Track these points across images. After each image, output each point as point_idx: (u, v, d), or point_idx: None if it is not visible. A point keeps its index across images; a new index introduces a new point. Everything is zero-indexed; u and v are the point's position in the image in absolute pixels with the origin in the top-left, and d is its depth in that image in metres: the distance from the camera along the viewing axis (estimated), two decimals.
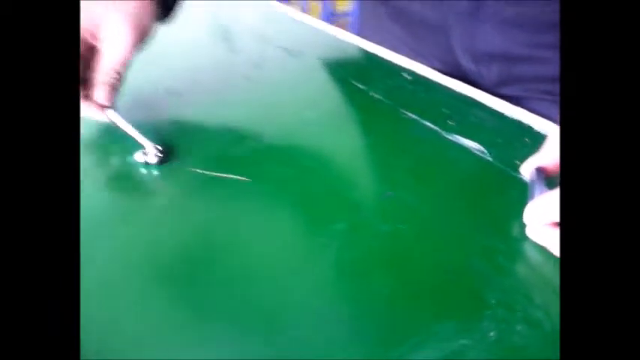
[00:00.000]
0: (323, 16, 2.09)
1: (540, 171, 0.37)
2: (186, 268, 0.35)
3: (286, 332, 0.30)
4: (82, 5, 0.44)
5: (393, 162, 0.44)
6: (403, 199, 0.40)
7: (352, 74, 0.54)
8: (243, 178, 0.41)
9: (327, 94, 0.53)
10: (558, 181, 0.36)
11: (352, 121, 0.50)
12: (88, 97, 0.45)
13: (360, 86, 0.52)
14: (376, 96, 0.51)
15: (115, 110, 0.47)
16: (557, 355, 0.30)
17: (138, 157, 0.47)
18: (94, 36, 0.45)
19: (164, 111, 0.51)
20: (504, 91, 0.55)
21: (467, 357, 0.29)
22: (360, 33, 0.65)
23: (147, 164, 0.47)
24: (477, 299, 0.32)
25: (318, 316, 0.31)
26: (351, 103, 0.51)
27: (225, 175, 0.42)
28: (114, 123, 0.48)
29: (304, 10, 2.12)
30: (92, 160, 0.47)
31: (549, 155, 0.38)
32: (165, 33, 0.56)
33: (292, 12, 0.69)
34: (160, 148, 0.47)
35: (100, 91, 0.45)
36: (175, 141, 0.47)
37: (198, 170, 0.43)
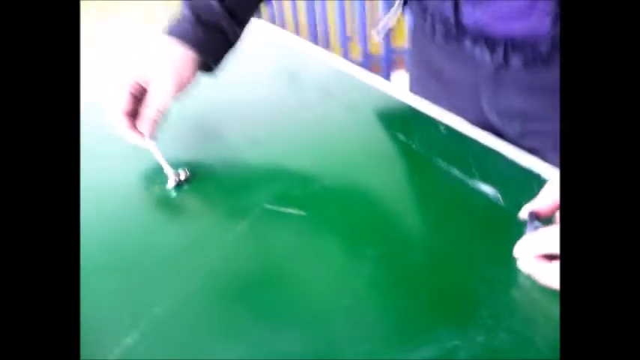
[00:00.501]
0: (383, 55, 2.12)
1: (534, 213, 0.44)
2: (257, 287, 0.45)
3: (327, 331, 0.41)
4: (140, 56, 0.56)
5: (423, 203, 0.54)
6: (424, 233, 0.49)
7: (396, 126, 0.64)
8: (301, 212, 0.51)
9: (375, 144, 0.62)
10: (548, 222, 0.43)
11: (393, 167, 0.58)
12: (134, 127, 0.56)
13: (402, 137, 0.61)
14: (414, 146, 0.59)
15: (153, 140, 0.58)
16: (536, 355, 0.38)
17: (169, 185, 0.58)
18: (145, 82, 0.56)
19: (241, 154, 0.62)
20: (524, 142, 0.61)
21: (458, 356, 0.38)
22: (411, 89, 0.76)
23: (167, 188, 0.57)
24: (472, 312, 0.41)
25: (353, 320, 0.41)
26: (393, 152, 0.60)
27: (288, 210, 0.52)
28: (149, 149, 0.58)
29: (345, 54, 2.15)
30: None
31: (543, 201, 0.44)
32: (242, 81, 0.74)
33: (350, 66, 0.79)
34: (180, 174, 0.58)
35: (144, 124, 0.56)
36: (249, 181, 0.57)
37: (268, 206, 0.52)
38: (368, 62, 2.08)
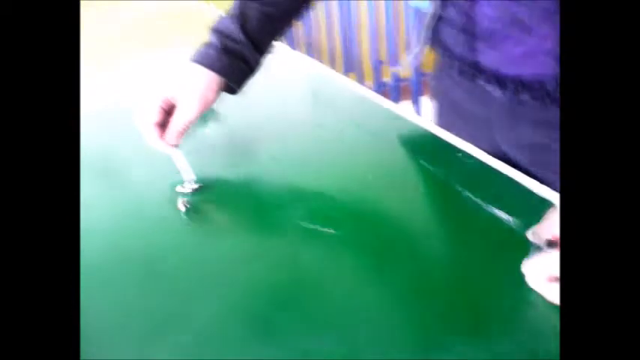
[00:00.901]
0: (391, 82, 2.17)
1: (539, 234, 0.49)
2: (291, 298, 0.49)
3: (352, 338, 0.45)
4: (169, 75, 0.64)
5: (442, 225, 0.58)
6: (443, 252, 0.53)
7: (418, 152, 0.69)
8: (330, 230, 0.55)
9: (398, 168, 0.67)
10: (553, 243, 0.48)
11: (415, 191, 0.63)
12: (162, 137, 0.63)
13: (424, 163, 0.65)
14: (435, 171, 0.64)
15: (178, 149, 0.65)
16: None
17: (179, 188, 0.64)
18: (174, 98, 0.63)
19: (270, 173, 0.67)
20: (535, 171, 0.65)
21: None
22: (433, 118, 0.83)
23: (184, 194, 0.64)
24: (484, 325, 0.44)
25: (375, 329, 0.45)
26: (415, 176, 0.65)
27: (320, 228, 0.56)
28: (172, 158, 0.65)
29: (376, 77, 2.21)
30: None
31: (546, 223, 0.49)
32: (270, 103, 0.82)
33: (373, 95, 0.84)
34: (196, 184, 0.64)
35: (171, 135, 0.63)
36: (282, 199, 0.62)
37: (302, 223, 0.56)
38: (398, 85, 2.12)
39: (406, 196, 0.61)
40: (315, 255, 0.53)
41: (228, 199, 0.63)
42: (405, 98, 2.11)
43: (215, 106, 0.65)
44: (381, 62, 2.17)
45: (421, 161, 0.66)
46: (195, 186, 0.64)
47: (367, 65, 2.22)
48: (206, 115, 0.65)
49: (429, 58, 0.77)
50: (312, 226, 0.56)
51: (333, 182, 0.64)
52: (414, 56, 0.75)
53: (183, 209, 0.61)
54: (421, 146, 0.70)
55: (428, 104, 1.85)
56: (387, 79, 2.19)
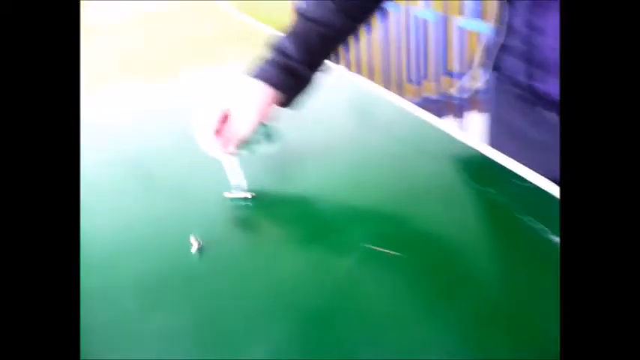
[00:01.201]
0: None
1: None
2: (359, 318, 0.49)
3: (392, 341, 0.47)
4: (226, 86, 0.68)
5: (498, 248, 0.59)
6: (499, 275, 0.54)
7: (471, 173, 0.70)
8: (396, 253, 0.55)
9: (452, 189, 0.68)
10: None
11: (470, 213, 0.63)
12: (217, 144, 0.67)
13: (477, 185, 0.67)
14: (491, 194, 0.65)
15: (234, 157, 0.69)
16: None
17: (227, 194, 0.68)
18: (231, 109, 0.67)
19: (328, 193, 0.70)
20: None
21: None
22: (487, 139, 0.85)
23: (233, 199, 0.68)
24: (546, 350, 0.45)
25: (438, 347, 0.46)
26: (469, 199, 0.66)
27: (382, 250, 0.56)
28: (224, 164, 0.69)
29: (419, 92, 2.21)
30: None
31: None
32: (320, 120, 0.86)
33: (422, 111, 0.87)
34: (247, 193, 0.68)
35: (227, 143, 0.67)
36: (345, 219, 0.63)
37: (367, 245, 0.57)
38: (442, 101, 2.12)
39: (463, 218, 0.61)
40: (382, 277, 0.53)
41: (284, 214, 0.66)
42: (449, 113, 2.11)
43: (271, 120, 0.70)
44: (424, 77, 2.17)
45: (473, 182, 0.67)
46: (248, 194, 0.67)
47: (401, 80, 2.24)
48: (262, 128, 0.69)
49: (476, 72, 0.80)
50: (373, 248, 0.56)
51: (387, 201, 0.66)
52: (471, 77, 0.78)
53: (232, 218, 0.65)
54: (473, 167, 0.72)
55: (473, 120, 1.85)
56: (430, 93, 2.20)
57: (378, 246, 0.56)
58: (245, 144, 0.69)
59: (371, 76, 2.35)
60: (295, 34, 0.68)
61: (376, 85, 1.00)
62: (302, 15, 0.69)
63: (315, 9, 0.69)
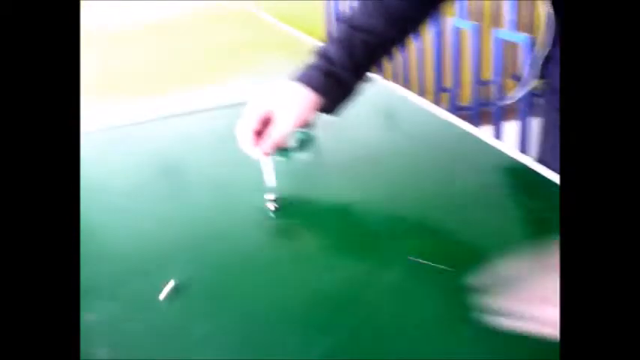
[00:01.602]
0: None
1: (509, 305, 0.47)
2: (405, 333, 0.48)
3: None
4: (268, 89, 0.69)
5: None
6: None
7: (516, 186, 0.70)
8: (449, 269, 0.53)
9: (496, 202, 0.67)
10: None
11: (515, 226, 0.62)
12: (257, 145, 0.68)
13: (523, 198, 0.67)
14: (535, 207, 0.64)
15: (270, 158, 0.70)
16: None
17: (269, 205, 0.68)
18: (273, 111, 0.67)
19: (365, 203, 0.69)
20: None
21: None
22: (539, 149, 0.84)
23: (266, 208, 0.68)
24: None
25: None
26: (514, 211, 0.65)
27: (428, 263, 0.54)
28: (262, 164, 0.70)
29: (454, 98, 2.21)
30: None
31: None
32: (359, 129, 0.86)
33: (461, 121, 0.86)
34: (279, 197, 0.68)
35: (267, 143, 0.68)
36: (387, 231, 0.62)
37: (413, 259, 0.55)
38: (478, 109, 2.10)
39: (510, 233, 0.60)
40: (427, 292, 0.52)
41: (325, 224, 0.65)
42: (486, 122, 2.08)
43: (311, 126, 0.71)
44: (461, 84, 2.17)
45: (519, 195, 0.67)
46: (272, 196, 0.68)
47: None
48: (299, 134, 0.71)
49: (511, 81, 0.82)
50: (418, 260, 0.55)
51: (429, 213, 0.65)
52: (521, 89, 0.80)
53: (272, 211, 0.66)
54: (518, 179, 0.71)
55: (510, 130, 1.85)
56: (465, 102, 2.18)
57: (422, 259, 0.55)
58: (282, 149, 0.69)
59: (407, 84, 2.36)
60: (344, 42, 0.69)
61: (412, 93, 1.01)
62: (347, 23, 0.70)
63: (361, 17, 0.70)
